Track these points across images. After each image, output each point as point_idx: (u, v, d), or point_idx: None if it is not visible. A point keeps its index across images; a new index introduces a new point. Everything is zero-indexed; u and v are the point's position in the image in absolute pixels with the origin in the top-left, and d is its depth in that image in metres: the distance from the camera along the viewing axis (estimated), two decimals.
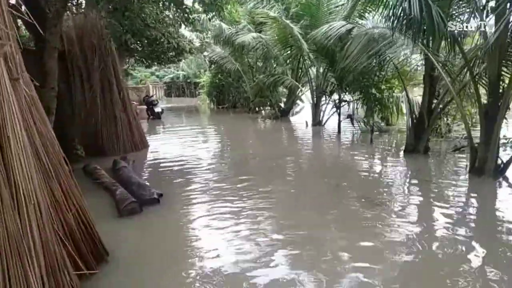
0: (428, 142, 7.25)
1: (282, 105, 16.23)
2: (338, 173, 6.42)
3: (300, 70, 15.66)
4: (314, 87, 12.33)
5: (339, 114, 10.30)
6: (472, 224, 4.03)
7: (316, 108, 12.19)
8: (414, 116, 7.30)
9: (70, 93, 8.14)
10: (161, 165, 7.21)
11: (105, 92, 8.12)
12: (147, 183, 5.26)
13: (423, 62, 7.55)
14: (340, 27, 8.74)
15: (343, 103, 10.61)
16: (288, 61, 14.20)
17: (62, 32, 8.02)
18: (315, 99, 12.20)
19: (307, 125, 12.42)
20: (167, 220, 4.26)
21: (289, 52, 12.68)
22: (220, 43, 18.06)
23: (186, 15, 8.09)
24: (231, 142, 10.35)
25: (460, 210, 4.42)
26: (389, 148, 8.63)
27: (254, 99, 16.56)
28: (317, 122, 12.23)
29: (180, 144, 9.53)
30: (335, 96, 11.13)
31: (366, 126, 9.89)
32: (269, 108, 18.40)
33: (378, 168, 6.84)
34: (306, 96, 13.34)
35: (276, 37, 12.44)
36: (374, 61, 8.17)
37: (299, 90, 15.42)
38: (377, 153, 8.04)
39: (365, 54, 7.68)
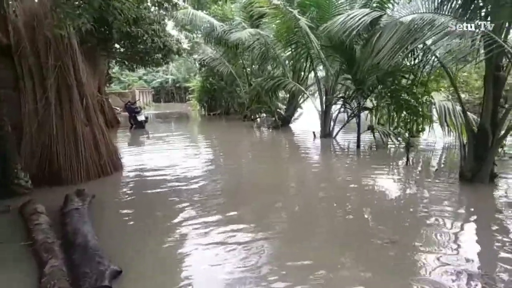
0: (495, 166, 5.43)
1: (282, 112, 14.37)
2: (365, 210, 4.61)
3: (303, 72, 13.90)
4: (323, 92, 10.51)
5: (358, 125, 8.46)
6: None
7: (325, 116, 10.35)
8: (471, 130, 5.50)
9: (18, 100, 6.26)
10: (133, 200, 5.27)
11: (62, 99, 6.19)
12: (101, 247, 3.33)
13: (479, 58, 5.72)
14: (364, 16, 6.95)
15: (363, 111, 8.75)
16: (291, 61, 12.37)
17: (8, 21, 6.17)
18: (323, 106, 10.37)
19: (314, 137, 10.59)
20: None
21: (293, 50, 10.79)
22: (211, 42, 16.23)
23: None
24: (225, 159, 8.44)
25: None
26: (434, 172, 6.39)
27: (250, 105, 14.70)
28: (326, 133, 10.39)
29: (163, 161, 7.62)
30: (349, 103, 9.31)
31: (393, 140, 8.08)
32: (264, 115, 16.60)
33: (426, 206, 4.75)
34: (312, 102, 11.51)
35: (278, 32, 10.57)
36: (412, 57, 6.42)
37: (301, 95, 13.64)
38: (420, 180, 6.04)
39: (403, 48, 5.90)
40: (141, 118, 14.39)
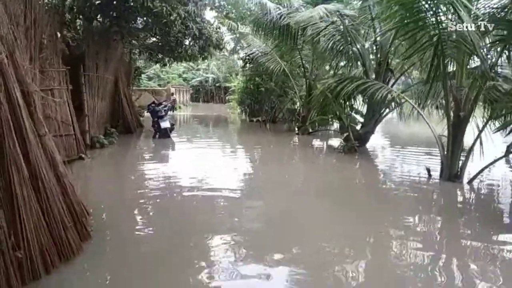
0: None
1: (357, 127, 10.28)
2: None
3: (391, 72, 9.82)
4: (452, 103, 6.31)
5: None
6: None
7: (454, 144, 6.19)
8: None
9: None
10: None
11: None
12: None
13: None
14: None
15: None
16: (404, 54, 8.05)
17: None
18: (451, 127, 6.21)
19: (429, 176, 6.49)
20: None
21: (407, 35, 6.46)
22: (261, 31, 12.47)
23: None
24: (275, 219, 4.56)
25: None
26: None
27: (311, 115, 10.75)
28: (453, 173, 6.22)
29: (175, 217, 3.97)
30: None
31: None
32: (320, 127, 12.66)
33: None
34: (424, 119, 7.27)
35: (385, 8, 6.44)
36: None
37: (387, 104, 9.50)
38: None
39: None
40: (165, 124, 10.94)
